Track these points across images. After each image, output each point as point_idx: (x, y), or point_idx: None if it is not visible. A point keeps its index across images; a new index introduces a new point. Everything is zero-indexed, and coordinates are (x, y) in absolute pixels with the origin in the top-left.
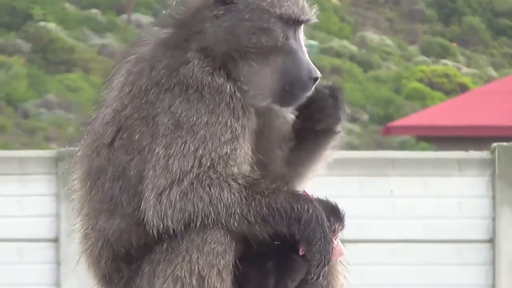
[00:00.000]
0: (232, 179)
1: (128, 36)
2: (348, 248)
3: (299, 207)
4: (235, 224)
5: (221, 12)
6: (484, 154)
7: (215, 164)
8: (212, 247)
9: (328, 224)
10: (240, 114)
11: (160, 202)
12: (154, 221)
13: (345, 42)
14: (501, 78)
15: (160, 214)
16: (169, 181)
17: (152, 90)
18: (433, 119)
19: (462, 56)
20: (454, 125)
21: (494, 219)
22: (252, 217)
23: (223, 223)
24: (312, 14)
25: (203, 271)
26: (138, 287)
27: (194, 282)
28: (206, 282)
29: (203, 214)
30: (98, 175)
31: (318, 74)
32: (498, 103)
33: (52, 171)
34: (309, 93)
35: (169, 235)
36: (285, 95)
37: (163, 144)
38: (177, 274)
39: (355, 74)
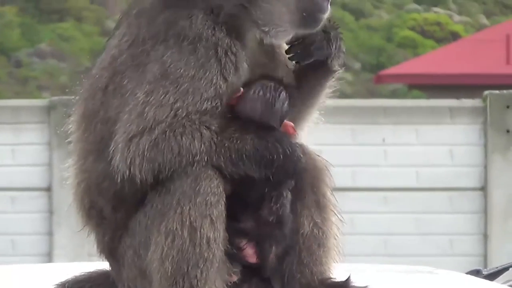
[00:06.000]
0: (205, 126)
1: None
2: (340, 197)
3: (270, 152)
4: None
5: None
6: (476, 102)
7: (190, 115)
8: (205, 198)
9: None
10: (230, 71)
11: (129, 148)
12: (120, 166)
13: None
14: (493, 26)
15: (127, 160)
16: (140, 127)
17: (150, 41)
18: (425, 67)
19: (453, 4)
20: (446, 73)
21: (485, 167)
22: (223, 164)
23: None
24: None
25: (195, 222)
26: (131, 245)
27: (186, 233)
28: (198, 233)
29: (171, 165)
30: (92, 117)
31: None
32: (490, 51)
33: (44, 120)
34: (327, 13)
35: (135, 184)
36: (304, 21)
37: (145, 90)
38: (169, 228)
39: (346, 22)
